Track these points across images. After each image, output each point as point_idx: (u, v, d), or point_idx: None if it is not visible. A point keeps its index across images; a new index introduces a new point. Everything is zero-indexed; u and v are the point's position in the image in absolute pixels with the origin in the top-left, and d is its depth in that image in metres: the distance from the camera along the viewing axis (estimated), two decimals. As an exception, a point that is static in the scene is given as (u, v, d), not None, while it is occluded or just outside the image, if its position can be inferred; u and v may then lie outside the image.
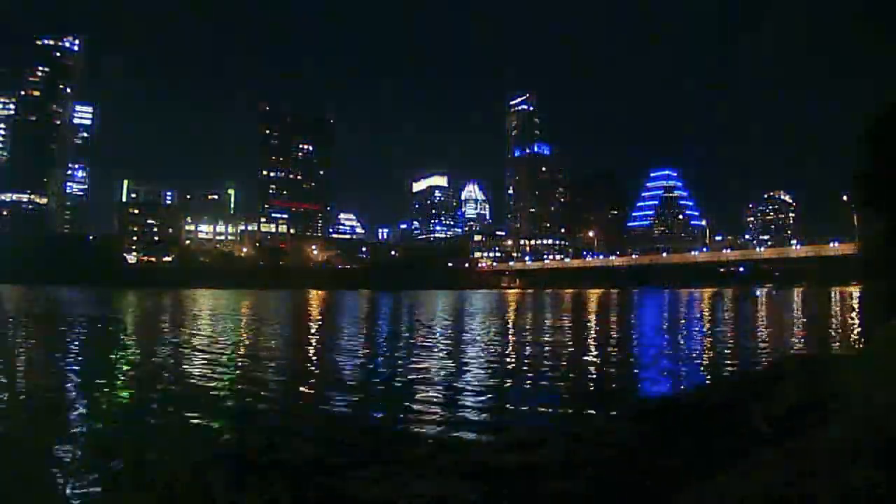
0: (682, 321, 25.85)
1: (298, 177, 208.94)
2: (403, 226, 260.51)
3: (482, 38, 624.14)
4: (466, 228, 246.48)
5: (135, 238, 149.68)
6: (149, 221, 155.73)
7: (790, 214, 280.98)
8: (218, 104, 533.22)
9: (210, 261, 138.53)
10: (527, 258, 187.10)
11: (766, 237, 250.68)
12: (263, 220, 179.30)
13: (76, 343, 16.18)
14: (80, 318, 24.87)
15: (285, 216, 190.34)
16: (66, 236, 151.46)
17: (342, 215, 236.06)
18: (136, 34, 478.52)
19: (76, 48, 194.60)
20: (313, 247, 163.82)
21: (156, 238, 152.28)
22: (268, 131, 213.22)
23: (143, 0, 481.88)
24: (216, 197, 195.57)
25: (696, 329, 21.49)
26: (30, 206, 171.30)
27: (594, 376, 11.17)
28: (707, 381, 9.98)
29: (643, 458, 4.72)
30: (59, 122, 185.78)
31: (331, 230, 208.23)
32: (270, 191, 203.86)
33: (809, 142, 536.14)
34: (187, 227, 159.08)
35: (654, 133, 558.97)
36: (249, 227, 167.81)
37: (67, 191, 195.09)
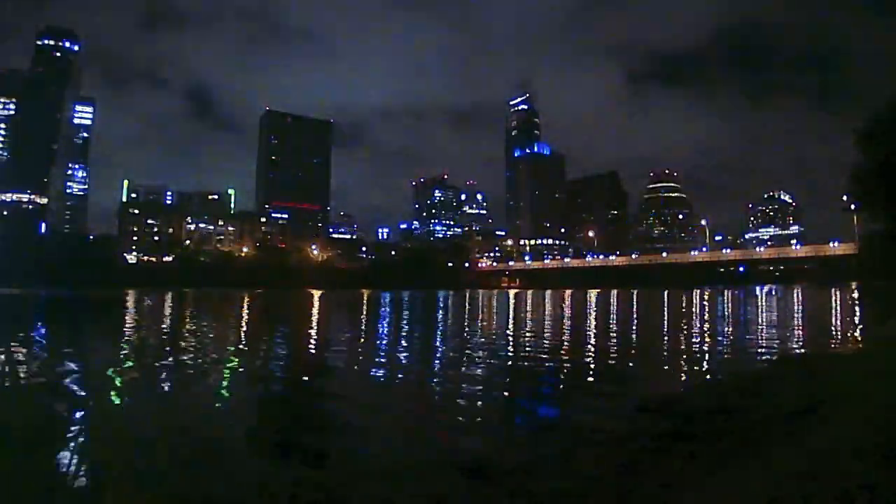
0: (682, 321, 25.84)
1: (298, 177, 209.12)
2: (403, 226, 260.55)
3: (482, 36, 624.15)
4: (466, 228, 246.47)
5: (135, 238, 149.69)
6: (149, 221, 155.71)
7: (790, 215, 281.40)
8: (219, 104, 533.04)
9: (210, 261, 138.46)
10: (527, 258, 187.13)
11: (766, 237, 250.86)
12: (263, 220, 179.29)
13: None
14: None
15: (285, 216, 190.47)
16: (66, 236, 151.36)
17: (342, 215, 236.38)
18: (137, 33, 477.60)
19: (76, 48, 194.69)
20: (313, 247, 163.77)
21: (156, 238, 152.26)
22: (268, 131, 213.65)
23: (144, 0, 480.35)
24: (216, 197, 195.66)
25: (696, 329, 21.48)
26: (30, 206, 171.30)
27: (594, 375, 11.17)
28: (707, 381, 9.98)
29: (644, 457, 4.72)
30: (59, 122, 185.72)
31: (331, 230, 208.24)
32: (270, 191, 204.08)
33: (810, 142, 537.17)
34: (187, 227, 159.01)
35: (654, 133, 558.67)
36: (249, 227, 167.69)
37: (67, 191, 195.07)
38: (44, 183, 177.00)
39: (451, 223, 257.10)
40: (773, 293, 71.59)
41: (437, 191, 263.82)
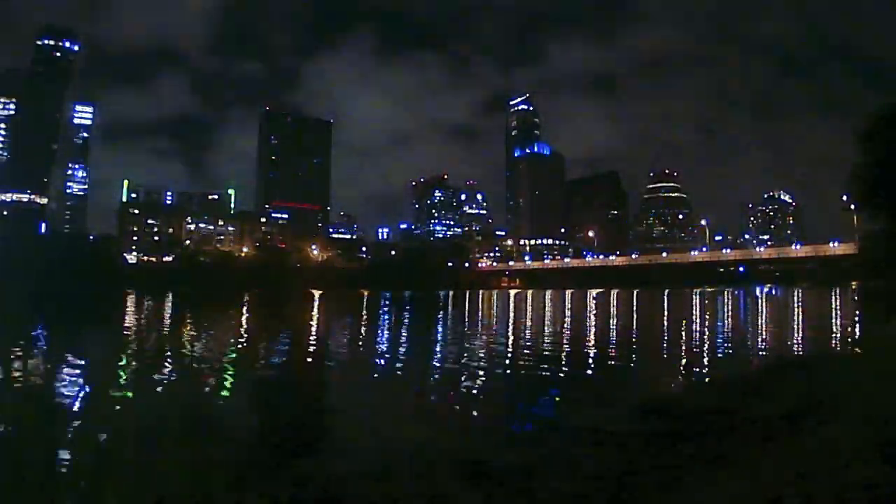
0: (682, 321, 25.85)
1: (298, 176, 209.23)
2: (403, 226, 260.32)
3: (482, 34, 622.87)
4: (466, 228, 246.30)
5: (135, 238, 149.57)
6: (149, 221, 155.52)
7: (790, 215, 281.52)
8: (218, 104, 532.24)
9: (210, 261, 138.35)
10: (527, 258, 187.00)
11: (766, 237, 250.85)
12: (263, 220, 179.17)
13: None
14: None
15: (285, 216, 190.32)
16: (67, 236, 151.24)
17: (342, 215, 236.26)
18: (137, 32, 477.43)
19: (76, 48, 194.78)
20: (313, 247, 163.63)
21: (156, 238, 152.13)
22: (268, 131, 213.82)
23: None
24: (216, 197, 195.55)
25: (696, 329, 21.49)
26: (30, 206, 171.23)
27: (594, 375, 11.17)
28: (707, 381, 9.98)
29: (643, 457, 4.72)
30: (58, 122, 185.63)
31: (331, 230, 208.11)
32: (270, 191, 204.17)
33: (810, 141, 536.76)
34: (187, 227, 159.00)
35: (653, 132, 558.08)
36: (249, 227, 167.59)
37: (67, 191, 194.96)
38: (44, 183, 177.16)
39: (451, 223, 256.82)
40: (773, 293, 71.61)
41: (437, 191, 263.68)
